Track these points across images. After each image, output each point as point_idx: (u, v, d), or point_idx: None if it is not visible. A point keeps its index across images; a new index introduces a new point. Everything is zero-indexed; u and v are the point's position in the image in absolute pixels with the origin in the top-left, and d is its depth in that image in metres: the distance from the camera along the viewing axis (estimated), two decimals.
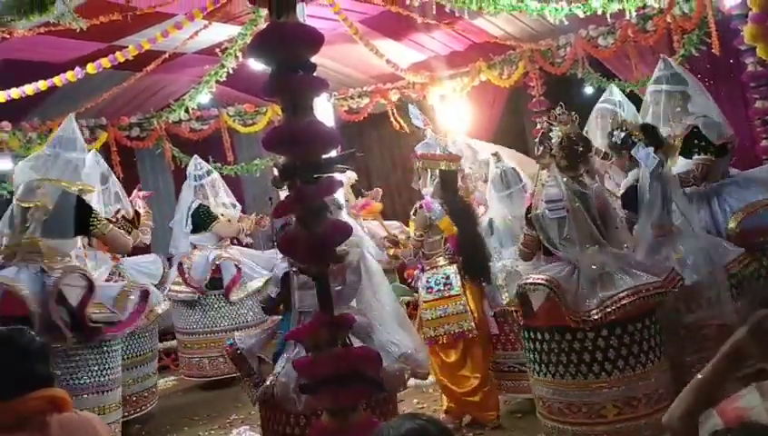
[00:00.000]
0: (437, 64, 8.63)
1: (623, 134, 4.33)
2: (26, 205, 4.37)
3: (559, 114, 3.93)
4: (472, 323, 4.75)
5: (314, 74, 2.50)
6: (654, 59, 7.15)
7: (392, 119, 9.01)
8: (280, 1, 2.45)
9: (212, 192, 7.04)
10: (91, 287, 4.30)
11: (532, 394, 4.04)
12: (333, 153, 2.64)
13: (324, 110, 8.11)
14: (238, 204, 7.31)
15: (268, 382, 3.41)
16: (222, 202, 7.10)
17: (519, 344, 4.65)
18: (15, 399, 1.98)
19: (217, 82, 7.36)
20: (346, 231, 2.60)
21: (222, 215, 6.95)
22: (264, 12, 6.45)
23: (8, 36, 4.98)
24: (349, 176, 7.49)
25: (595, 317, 3.52)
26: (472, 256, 4.82)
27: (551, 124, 3.92)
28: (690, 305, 3.96)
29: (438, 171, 5.02)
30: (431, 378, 5.57)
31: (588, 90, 7.91)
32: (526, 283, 3.72)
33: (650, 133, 4.26)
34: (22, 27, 4.97)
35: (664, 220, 4.02)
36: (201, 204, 6.88)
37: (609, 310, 3.50)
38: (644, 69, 7.15)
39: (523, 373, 4.45)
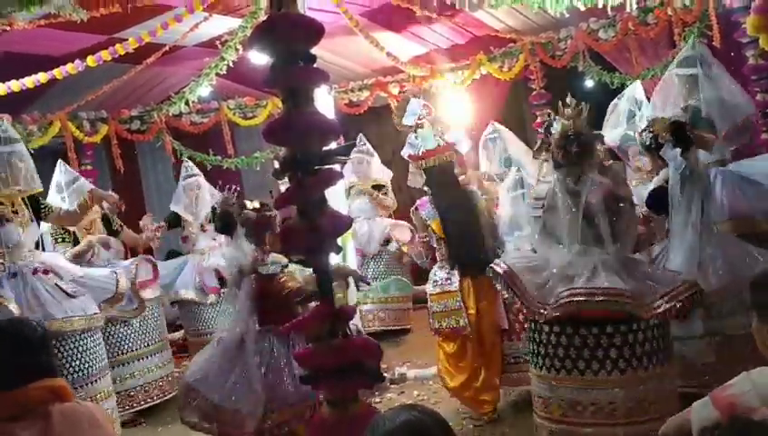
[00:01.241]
0: (437, 57, 8.62)
1: (650, 136, 4.27)
2: None
3: (566, 108, 3.75)
4: (465, 320, 4.75)
5: (314, 66, 2.50)
6: (655, 52, 7.18)
7: (394, 113, 8.99)
8: None
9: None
10: None
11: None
12: (333, 145, 2.64)
13: (324, 103, 8.10)
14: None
15: None
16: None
17: (517, 336, 4.79)
18: (18, 389, 1.99)
19: (217, 75, 7.34)
20: (346, 222, 2.61)
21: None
22: (264, 4, 6.44)
23: (8, 29, 4.97)
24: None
25: (541, 312, 3.50)
26: (461, 249, 4.81)
27: (554, 117, 3.78)
28: (710, 311, 3.95)
29: (423, 169, 4.99)
30: (432, 370, 5.63)
31: (589, 83, 7.91)
32: (490, 266, 3.79)
33: (677, 133, 4.04)
34: (22, 19, 4.96)
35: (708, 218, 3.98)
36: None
37: (556, 306, 3.44)
38: (644, 62, 7.14)
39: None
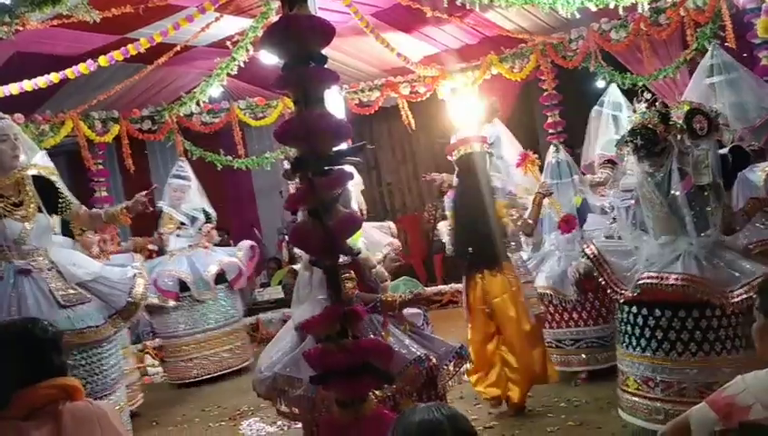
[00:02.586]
0: (448, 58, 8.61)
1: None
2: None
3: (637, 105, 3.85)
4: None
5: (325, 67, 2.50)
6: (667, 53, 7.15)
7: (402, 113, 9.01)
8: None
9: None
10: None
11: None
12: (344, 146, 2.64)
13: (335, 103, 8.12)
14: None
15: None
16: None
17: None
18: (28, 388, 2.00)
19: (228, 75, 7.37)
20: (357, 223, 2.61)
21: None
22: (275, 4, 6.46)
23: (22, 29, 5.00)
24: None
25: (629, 293, 3.62)
26: (470, 240, 4.77)
27: (633, 112, 3.91)
28: None
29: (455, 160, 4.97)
30: None
31: (600, 83, 7.89)
32: (580, 252, 3.95)
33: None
34: (35, 19, 4.99)
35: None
36: None
37: (637, 286, 3.57)
38: (656, 63, 7.11)
39: None
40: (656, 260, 3.64)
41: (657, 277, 3.52)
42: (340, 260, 3.46)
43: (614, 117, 6.03)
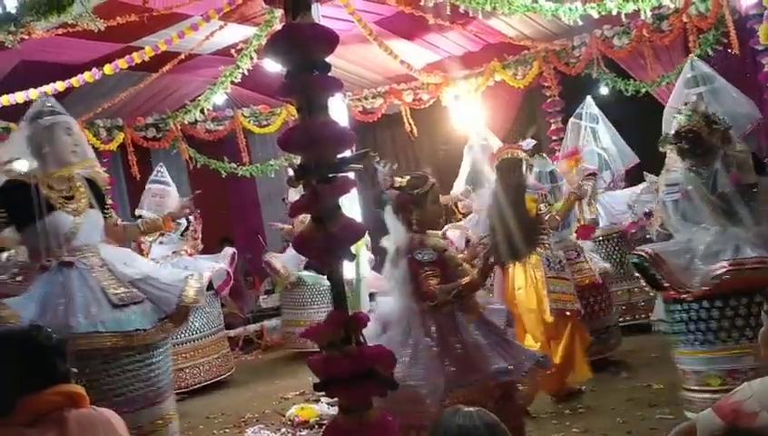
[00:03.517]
0: (451, 65, 8.64)
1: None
2: None
3: (682, 107, 4.08)
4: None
5: (329, 75, 2.51)
6: (670, 59, 7.17)
7: (405, 121, 9.04)
8: (295, 1, 2.46)
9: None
10: None
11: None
12: (348, 153, 2.65)
13: (338, 110, 8.14)
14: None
15: None
16: None
17: None
18: (33, 394, 2.01)
19: (232, 83, 7.40)
20: (360, 230, 2.61)
21: None
22: (279, 13, 6.48)
23: (27, 37, 5.03)
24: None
25: (695, 287, 3.67)
26: (505, 236, 4.86)
27: (677, 113, 4.10)
28: None
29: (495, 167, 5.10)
30: None
31: (603, 90, 7.90)
32: (632, 253, 4.00)
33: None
34: (40, 28, 5.02)
35: None
36: None
37: (709, 281, 3.62)
38: (659, 69, 7.13)
39: None
40: (715, 247, 3.74)
41: (737, 264, 3.58)
42: (426, 257, 3.47)
43: (591, 129, 6.23)
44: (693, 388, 3.86)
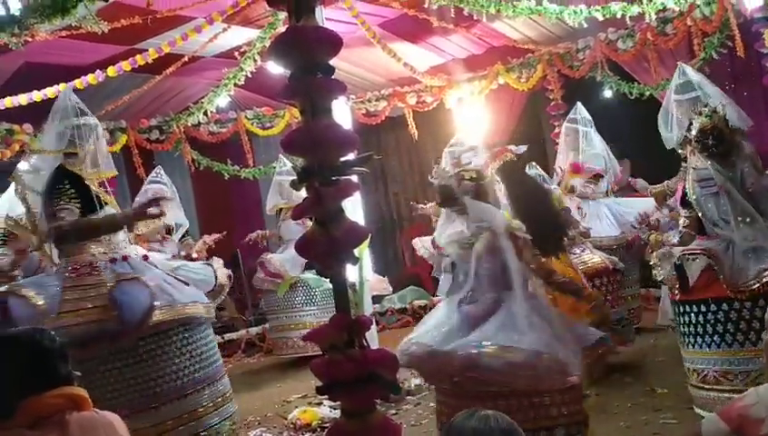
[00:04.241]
0: (455, 68, 8.64)
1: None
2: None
3: (702, 108, 4.15)
4: None
5: (332, 77, 2.51)
6: (674, 62, 7.15)
7: (409, 123, 9.03)
8: (298, 4, 2.46)
9: None
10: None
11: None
12: (351, 156, 2.64)
13: (342, 113, 8.14)
14: None
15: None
16: None
17: None
18: (35, 397, 2.00)
19: (235, 85, 7.41)
20: (363, 234, 2.60)
21: None
22: (283, 15, 6.48)
23: (30, 40, 5.04)
24: None
25: (753, 287, 3.68)
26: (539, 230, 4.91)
27: (697, 115, 4.17)
28: None
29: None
30: None
31: (607, 93, 7.89)
32: (684, 254, 3.94)
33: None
34: (44, 30, 5.02)
35: None
36: None
37: (766, 280, 3.65)
38: (663, 72, 7.11)
39: None
40: (755, 243, 3.80)
41: None
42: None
43: (584, 132, 6.31)
44: (741, 388, 3.74)
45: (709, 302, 3.84)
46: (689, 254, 3.91)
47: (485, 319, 3.35)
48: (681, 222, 4.31)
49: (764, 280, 3.66)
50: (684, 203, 4.22)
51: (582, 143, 6.50)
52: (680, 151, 4.42)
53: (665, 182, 5.73)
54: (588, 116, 6.47)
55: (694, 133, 4.13)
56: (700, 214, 4.06)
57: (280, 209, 7.70)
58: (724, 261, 3.81)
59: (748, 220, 3.87)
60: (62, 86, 6.08)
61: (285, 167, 7.76)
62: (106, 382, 3.75)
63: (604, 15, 5.98)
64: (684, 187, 4.24)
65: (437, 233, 3.65)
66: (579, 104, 6.61)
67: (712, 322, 3.84)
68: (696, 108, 4.53)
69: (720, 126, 4.01)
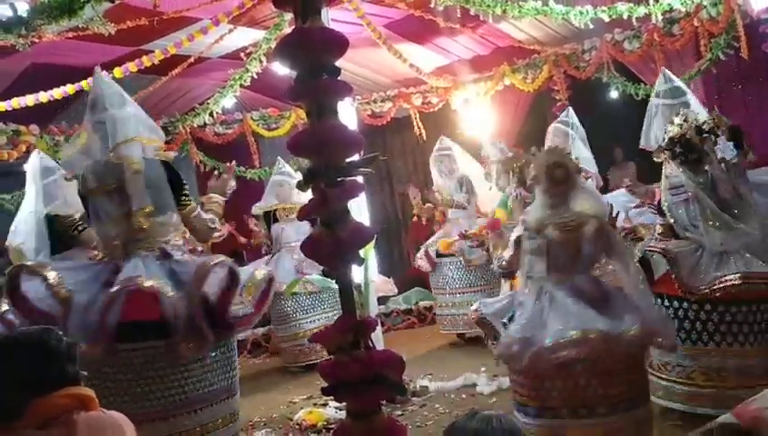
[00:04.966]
0: (460, 68, 8.63)
1: (710, 125, 4.52)
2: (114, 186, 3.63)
3: (674, 117, 4.31)
4: None
5: (338, 78, 2.51)
6: (681, 63, 7.14)
7: (415, 124, 9.03)
8: (304, 5, 2.47)
9: None
10: (233, 277, 3.57)
11: None
12: (356, 157, 2.65)
13: (347, 114, 8.16)
14: None
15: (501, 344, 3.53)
16: None
17: None
18: (43, 397, 2.01)
19: (241, 86, 7.42)
20: (368, 234, 2.61)
21: None
22: (289, 16, 6.49)
23: (37, 41, 5.05)
24: None
25: (703, 292, 3.91)
26: None
27: (669, 124, 4.33)
28: None
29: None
30: (453, 383, 5.61)
31: (614, 94, 7.87)
32: (646, 249, 4.17)
33: (736, 133, 4.58)
34: (51, 32, 5.04)
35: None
36: None
37: (716, 288, 3.87)
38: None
39: None
40: (720, 248, 4.01)
41: (745, 277, 3.82)
42: None
43: (572, 136, 6.32)
44: (675, 379, 4.13)
45: (664, 297, 4.10)
46: (649, 250, 4.17)
47: (604, 300, 3.50)
48: (656, 229, 4.42)
49: (714, 287, 3.87)
50: (660, 210, 4.37)
51: (571, 148, 6.46)
52: (656, 159, 4.48)
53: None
54: (578, 123, 6.38)
55: (665, 142, 4.29)
56: (671, 221, 4.23)
57: (271, 212, 7.57)
58: (682, 262, 4.03)
59: (718, 224, 4.06)
60: (69, 87, 6.09)
61: (284, 169, 7.68)
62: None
63: (610, 16, 5.97)
64: (660, 195, 4.40)
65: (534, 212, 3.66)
66: (570, 109, 6.57)
67: (671, 317, 4.05)
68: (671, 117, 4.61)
69: (689, 135, 4.16)
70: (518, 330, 3.42)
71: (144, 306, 3.36)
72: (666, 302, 4.10)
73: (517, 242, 3.73)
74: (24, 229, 4.68)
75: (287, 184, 7.30)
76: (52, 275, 3.39)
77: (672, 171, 4.27)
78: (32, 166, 4.88)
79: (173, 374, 3.53)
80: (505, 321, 3.67)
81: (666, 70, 5.17)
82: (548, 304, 3.46)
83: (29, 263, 3.69)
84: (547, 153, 3.83)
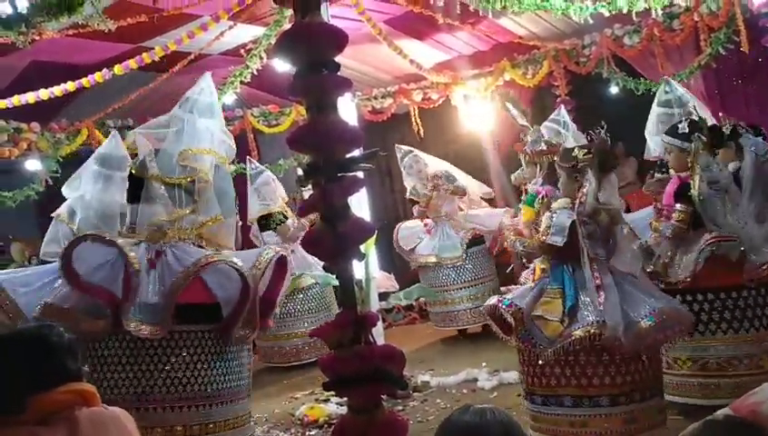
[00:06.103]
0: (460, 64, 8.62)
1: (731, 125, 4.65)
2: (176, 181, 3.87)
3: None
4: None
5: (338, 74, 2.51)
6: (681, 58, 7.13)
7: (413, 120, 9.03)
8: (304, 1, 2.47)
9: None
10: (283, 267, 3.81)
11: None
12: (357, 152, 2.65)
13: (347, 110, 8.15)
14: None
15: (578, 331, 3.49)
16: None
17: None
18: (44, 392, 2.02)
19: (241, 83, 7.41)
20: (368, 230, 2.61)
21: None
22: (289, 12, 6.49)
23: (38, 38, 5.06)
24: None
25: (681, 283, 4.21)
26: None
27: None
28: None
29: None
30: (454, 378, 5.63)
31: (614, 89, 7.86)
32: (711, 241, 4.23)
33: (757, 131, 4.71)
34: (51, 29, 5.04)
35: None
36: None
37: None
38: (670, 68, 7.08)
39: None
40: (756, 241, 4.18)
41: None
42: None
43: (564, 135, 6.32)
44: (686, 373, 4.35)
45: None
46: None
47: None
48: (674, 215, 4.34)
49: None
50: (683, 197, 4.31)
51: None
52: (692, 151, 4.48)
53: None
54: (569, 121, 6.38)
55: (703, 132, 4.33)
56: (702, 213, 4.25)
57: (265, 217, 7.41)
58: (661, 255, 4.29)
59: (747, 220, 4.23)
60: (69, 85, 6.10)
61: (258, 167, 7.59)
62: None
63: (610, 11, 5.95)
64: (682, 182, 4.35)
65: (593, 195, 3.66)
66: (562, 107, 6.57)
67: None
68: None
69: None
70: (615, 312, 3.44)
71: (197, 290, 3.56)
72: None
73: (572, 227, 3.74)
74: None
75: (271, 180, 7.39)
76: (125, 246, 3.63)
77: (708, 162, 4.28)
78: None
79: (219, 360, 3.71)
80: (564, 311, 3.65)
81: (668, 79, 5.20)
82: (629, 287, 3.60)
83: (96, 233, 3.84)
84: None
